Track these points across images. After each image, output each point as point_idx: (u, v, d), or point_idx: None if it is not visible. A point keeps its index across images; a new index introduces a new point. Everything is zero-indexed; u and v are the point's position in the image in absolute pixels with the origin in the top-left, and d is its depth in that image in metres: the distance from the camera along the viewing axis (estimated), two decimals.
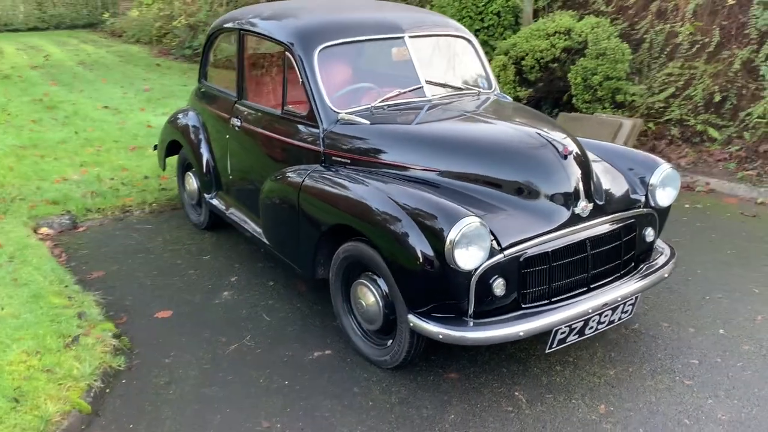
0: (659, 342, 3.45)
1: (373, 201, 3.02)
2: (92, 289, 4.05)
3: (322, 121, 3.54)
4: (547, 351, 3.01)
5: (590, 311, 2.99)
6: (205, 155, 4.73)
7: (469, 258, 2.73)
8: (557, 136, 3.15)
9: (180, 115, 5.15)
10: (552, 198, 3.01)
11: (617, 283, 3.19)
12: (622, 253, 3.21)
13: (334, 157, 3.48)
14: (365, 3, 4.53)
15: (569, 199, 3.02)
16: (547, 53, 7.25)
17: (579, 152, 3.12)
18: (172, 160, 5.43)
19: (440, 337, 2.82)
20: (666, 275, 3.33)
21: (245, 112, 4.12)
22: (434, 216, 2.80)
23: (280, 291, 4.10)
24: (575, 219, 3.02)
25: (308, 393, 3.10)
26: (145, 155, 6.75)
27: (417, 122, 3.52)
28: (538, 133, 3.15)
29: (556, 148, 3.06)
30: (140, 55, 15.03)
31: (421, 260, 2.79)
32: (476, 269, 2.76)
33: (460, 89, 3.99)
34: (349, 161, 3.42)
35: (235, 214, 4.36)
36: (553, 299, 2.99)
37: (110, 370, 3.24)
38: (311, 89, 3.57)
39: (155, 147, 5.71)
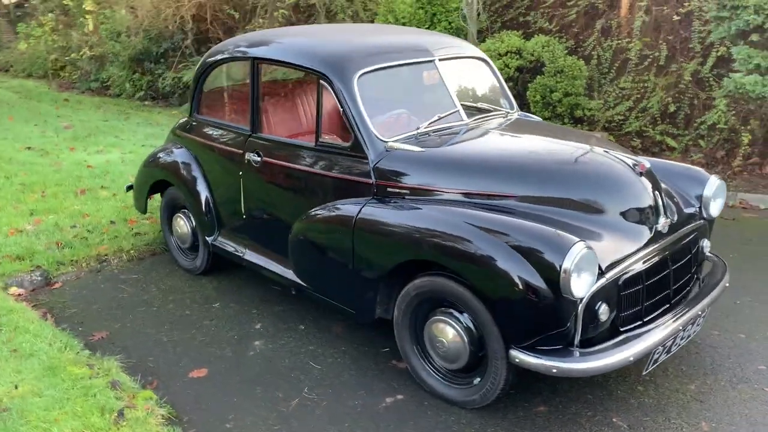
0: (720, 351, 3.50)
1: (461, 232, 2.86)
2: (106, 353, 3.60)
3: (370, 151, 3.34)
4: (644, 373, 2.96)
5: (681, 328, 2.98)
6: (204, 194, 4.37)
7: (582, 285, 2.63)
8: (624, 154, 3.14)
9: (162, 153, 4.75)
10: (635, 217, 2.98)
11: (690, 296, 3.20)
12: (692, 266, 3.24)
13: (389, 189, 3.28)
14: (377, 28, 4.39)
15: (650, 216, 3.01)
16: (501, 73, 7.36)
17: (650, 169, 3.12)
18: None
19: (554, 371, 2.70)
20: (727, 284, 3.38)
21: (266, 147, 3.83)
22: (540, 244, 2.69)
23: (315, 335, 3.82)
24: (658, 236, 3.01)
25: None
26: (99, 198, 6.19)
27: (478, 147, 3.40)
28: (606, 151, 3.13)
29: (632, 167, 3.04)
30: (39, 90, 13.97)
31: (528, 292, 2.66)
32: (584, 296, 2.67)
33: (489, 111, 3.92)
34: (408, 192, 3.24)
35: (254, 257, 4.04)
36: (644, 320, 2.95)
37: None
38: (354, 118, 3.37)
39: (128, 188, 5.24)
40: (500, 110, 3.97)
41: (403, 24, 8.13)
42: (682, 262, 3.14)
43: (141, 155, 7.79)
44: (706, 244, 3.39)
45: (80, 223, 5.53)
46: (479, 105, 3.91)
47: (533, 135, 3.53)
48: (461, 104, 3.69)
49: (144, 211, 5.07)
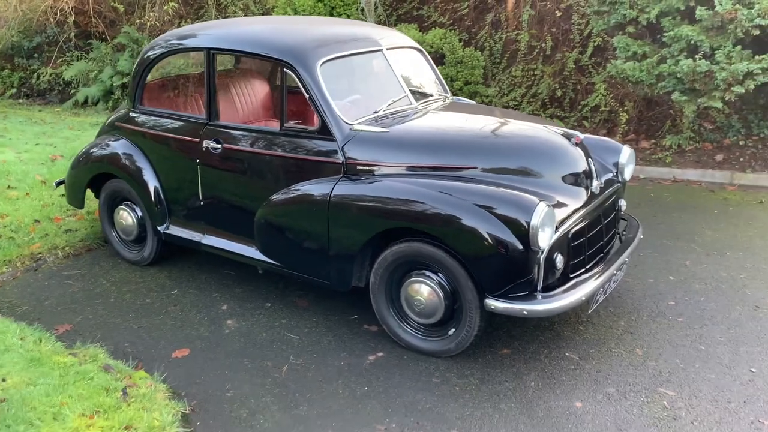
0: (636, 293, 4.13)
1: (438, 200, 3.23)
2: (82, 342, 3.63)
3: (337, 133, 3.62)
4: (589, 311, 3.51)
5: (615, 273, 3.54)
6: (153, 183, 4.43)
7: (545, 238, 3.10)
8: (559, 128, 3.66)
9: (98, 147, 4.73)
10: (574, 180, 3.50)
11: (615, 247, 3.79)
12: (616, 222, 3.83)
13: (358, 167, 3.59)
14: (321, 20, 4.64)
15: (585, 179, 3.54)
16: None
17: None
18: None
19: (525, 313, 3.15)
20: (641, 236, 4.01)
21: (226, 134, 3.99)
22: (509, 205, 3.12)
23: (283, 310, 4.05)
24: (593, 196, 3.55)
25: (396, 392, 3.21)
26: (10, 198, 5.93)
27: (436, 125, 3.78)
28: (547, 127, 3.63)
29: (568, 139, 3.56)
30: None
31: (501, 247, 3.09)
32: (546, 248, 3.14)
33: (430, 95, 4.32)
34: (376, 168, 3.56)
35: (215, 241, 4.18)
36: (587, 267, 3.48)
37: (182, 414, 3.02)
38: (321, 103, 3.64)
39: (58, 184, 5.14)
40: (439, 94, 4.39)
41: None
42: (610, 218, 3.72)
43: (39, 154, 7.52)
44: (623, 203, 4.00)
45: (0, 223, 5.33)
46: (421, 90, 4.30)
47: (479, 114, 3.97)
48: (410, 90, 4.06)
49: (81, 206, 5.00)
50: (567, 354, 3.50)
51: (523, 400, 3.13)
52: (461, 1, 8.56)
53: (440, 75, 4.60)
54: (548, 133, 3.60)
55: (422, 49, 4.57)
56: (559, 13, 7.81)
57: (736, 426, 2.91)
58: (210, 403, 3.18)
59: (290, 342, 3.70)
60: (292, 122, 3.79)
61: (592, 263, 3.54)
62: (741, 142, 6.69)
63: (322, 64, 3.71)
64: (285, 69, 3.73)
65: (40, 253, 4.92)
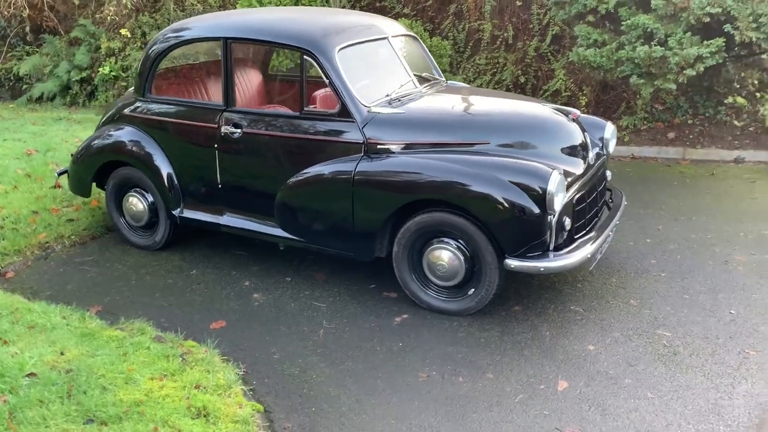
0: (620, 254, 4.60)
1: (460, 173, 3.58)
2: (119, 319, 3.82)
3: (357, 116, 3.92)
4: (591, 269, 3.94)
5: (609, 234, 3.99)
6: (166, 169, 4.61)
7: (559, 202, 3.50)
8: (557, 106, 4.08)
9: (105, 137, 4.86)
10: (574, 152, 3.91)
11: (605, 213, 4.25)
12: (605, 190, 4.28)
13: (378, 146, 3.89)
14: (324, 10, 4.90)
15: (582, 151, 3.96)
16: None
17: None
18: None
19: (542, 269, 3.55)
20: (626, 203, 4.48)
21: (246, 119, 4.22)
22: (526, 174, 3.50)
23: (303, 283, 4.32)
24: (589, 166, 3.98)
25: (428, 346, 3.55)
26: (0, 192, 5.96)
27: (448, 106, 4.12)
28: (547, 106, 4.04)
29: (566, 115, 3.98)
30: None
31: (522, 212, 3.48)
32: (558, 211, 3.54)
33: (430, 79, 4.66)
34: (396, 147, 3.87)
35: (234, 221, 4.40)
36: (587, 229, 3.91)
37: (237, 375, 3.28)
38: (341, 88, 3.92)
39: (61, 173, 5.24)
40: (436, 79, 4.74)
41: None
42: (602, 187, 4.16)
43: (11, 149, 7.43)
44: (608, 174, 4.45)
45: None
46: (422, 75, 4.63)
47: (481, 96, 4.34)
48: (415, 75, 4.39)
49: (88, 195, 5.11)
50: (572, 307, 3.92)
51: (543, 346, 3.53)
52: None
53: (434, 60, 4.95)
54: (549, 110, 4.01)
55: (417, 37, 4.90)
56: (519, 3, 8.28)
57: (726, 356, 3.40)
58: (260, 365, 3.44)
59: (319, 309, 3.99)
60: (311, 106, 4.05)
61: (590, 226, 3.97)
62: (689, 121, 7.33)
63: (339, 51, 3.99)
64: (305, 56, 3.99)
65: (47, 242, 5.01)
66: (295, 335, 3.71)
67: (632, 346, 3.51)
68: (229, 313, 3.98)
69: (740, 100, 7.47)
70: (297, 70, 4.17)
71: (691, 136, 7.16)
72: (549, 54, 8.15)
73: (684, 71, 6.32)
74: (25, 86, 11.22)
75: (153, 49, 4.63)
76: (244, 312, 3.99)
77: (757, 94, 7.44)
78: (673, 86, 6.47)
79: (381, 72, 4.38)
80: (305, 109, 4.05)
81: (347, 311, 3.96)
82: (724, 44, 6.11)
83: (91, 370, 3.13)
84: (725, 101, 7.42)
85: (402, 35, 4.66)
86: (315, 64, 3.96)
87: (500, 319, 3.81)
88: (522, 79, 8.13)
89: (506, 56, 8.25)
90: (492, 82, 8.21)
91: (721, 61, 6.31)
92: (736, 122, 7.26)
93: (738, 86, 7.50)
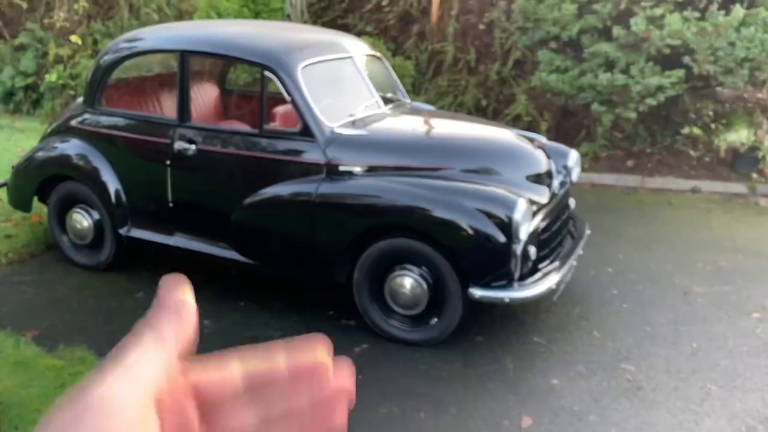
0: (582, 283, 4.54)
1: (425, 198, 3.47)
2: (58, 345, 3.55)
3: (319, 135, 3.77)
4: (554, 299, 3.86)
5: (574, 263, 3.93)
6: (113, 185, 4.37)
7: (525, 231, 3.41)
8: (522, 132, 4.01)
9: (48, 149, 4.60)
10: (540, 179, 3.85)
11: (569, 241, 4.19)
12: (569, 218, 4.22)
13: (340, 168, 3.75)
14: (288, 26, 4.76)
15: (547, 178, 3.90)
16: None
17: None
18: None
19: (507, 300, 3.45)
20: (589, 232, 4.43)
21: (201, 135, 4.03)
22: (492, 202, 3.41)
23: (258, 309, 4.12)
24: (554, 195, 3.92)
25: (389, 379, 3.40)
26: None
27: (411, 128, 4.01)
28: (512, 132, 3.97)
29: (532, 141, 3.92)
30: None
31: (485, 240, 3.38)
32: (524, 240, 3.45)
33: (394, 100, 4.55)
34: (359, 169, 3.74)
35: (185, 242, 4.19)
36: (552, 259, 3.84)
37: None
38: (303, 106, 3.78)
39: (1, 186, 4.93)
40: (401, 100, 4.63)
41: None
42: (566, 215, 4.10)
43: None
44: (572, 202, 4.40)
45: None
46: (386, 95, 4.52)
47: (446, 119, 4.25)
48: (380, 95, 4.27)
49: (29, 209, 4.82)
50: (535, 339, 3.83)
51: (506, 380, 3.42)
52: (386, 12, 8.86)
53: (399, 81, 4.85)
54: (515, 136, 3.94)
55: (382, 56, 4.80)
56: (482, 27, 8.29)
57: (689, 391, 3.34)
58: None
59: (273, 338, 3.77)
60: (271, 124, 3.89)
61: (554, 255, 3.90)
62: (648, 150, 7.41)
63: (302, 68, 3.85)
64: (266, 72, 3.84)
65: None
66: None
67: (596, 381, 3.43)
68: None
69: (696, 130, 7.61)
70: (255, 85, 4.02)
71: (649, 165, 7.23)
72: (511, 78, 8.17)
73: (645, 100, 6.38)
74: None
75: (105, 58, 4.40)
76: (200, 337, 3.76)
77: (712, 125, 7.59)
78: (633, 115, 6.53)
79: (345, 91, 4.26)
80: (265, 126, 3.89)
81: None
82: (684, 75, 6.20)
83: (25, 403, 2.88)
84: (682, 131, 7.54)
85: (367, 55, 4.55)
86: (277, 81, 3.81)
87: (462, 350, 3.68)
88: (484, 102, 8.12)
89: (468, 79, 8.23)
90: (454, 104, 8.17)
91: (681, 92, 6.40)
92: (692, 152, 7.37)
93: (694, 116, 7.63)
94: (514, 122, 7.93)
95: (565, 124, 7.95)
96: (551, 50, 7.01)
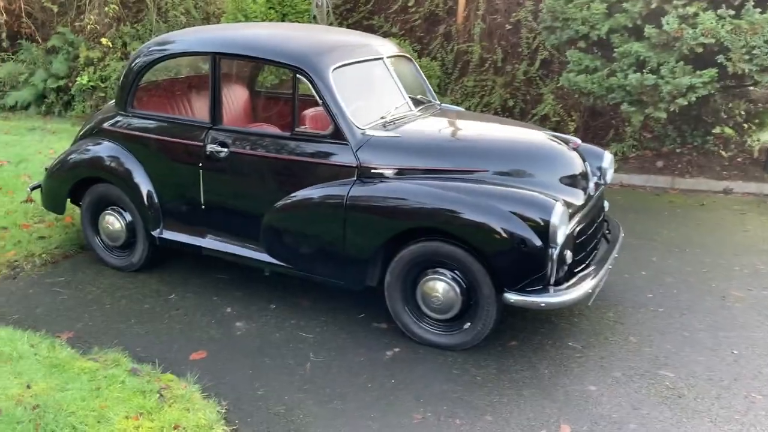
0: (616, 287, 4.46)
1: (459, 201, 3.42)
2: (98, 348, 3.57)
3: (350, 138, 3.75)
4: (589, 303, 3.79)
5: (609, 267, 3.85)
6: (146, 187, 4.38)
7: (562, 235, 3.35)
8: (557, 134, 3.95)
9: (81, 151, 4.62)
10: (575, 182, 3.78)
11: (604, 245, 4.12)
12: (603, 221, 4.15)
13: (372, 170, 3.72)
14: (316, 27, 4.74)
15: (583, 181, 3.84)
16: None
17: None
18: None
19: (542, 305, 3.39)
20: (623, 235, 4.36)
21: (233, 138, 4.02)
22: (528, 205, 3.35)
23: (289, 310, 4.11)
24: (589, 197, 3.85)
25: (422, 384, 3.36)
26: None
27: (445, 130, 3.97)
28: (546, 134, 3.91)
29: (567, 143, 3.85)
30: None
31: (521, 244, 3.32)
32: (560, 244, 3.39)
33: (425, 102, 4.51)
34: (391, 172, 3.70)
35: (217, 244, 4.19)
36: (587, 263, 3.77)
37: (219, 414, 3.05)
38: (335, 108, 3.75)
39: (33, 188, 4.98)
40: (430, 101, 4.59)
41: None
42: (600, 217, 4.03)
43: None
44: (606, 204, 4.33)
45: None
46: (416, 97, 4.49)
47: (478, 121, 4.20)
48: (410, 97, 4.24)
49: (62, 211, 4.86)
50: (570, 343, 3.77)
51: (542, 386, 3.36)
52: (412, 13, 8.83)
53: (428, 83, 4.81)
54: (548, 138, 3.88)
55: (412, 58, 4.76)
56: (509, 27, 8.22)
57: (732, 400, 3.26)
58: (243, 402, 3.22)
59: (305, 341, 3.78)
60: (302, 127, 3.87)
61: (590, 259, 3.83)
62: (678, 150, 7.29)
63: (334, 70, 3.83)
64: (298, 75, 3.82)
65: (16, 261, 4.74)
66: (280, 369, 3.50)
67: (635, 387, 3.36)
68: (210, 343, 3.75)
69: (728, 130, 7.47)
70: (284, 88, 3.99)
71: (679, 165, 7.11)
72: (538, 78, 8.09)
73: (676, 100, 6.27)
74: None
75: (137, 62, 4.42)
76: (226, 342, 3.77)
77: (745, 125, 7.44)
78: (664, 115, 6.42)
79: (376, 93, 4.22)
80: (296, 129, 3.87)
81: (335, 343, 3.76)
82: (717, 75, 6.07)
83: (60, 407, 2.89)
84: (713, 131, 7.40)
85: (396, 56, 4.51)
86: (308, 83, 3.79)
87: (496, 354, 3.64)
88: (510, 103, 8.04)
89: (495, 79, 8.16)
90: (480, 104, 8.11)
91: (713, 91, 6.27)
92: (723, 152, 7.24)
93: (725, 116, 7.49)
94: (542, 122, 7.85)
95: (593, 124, 7.86)
96: (580, 50, 6.91)
